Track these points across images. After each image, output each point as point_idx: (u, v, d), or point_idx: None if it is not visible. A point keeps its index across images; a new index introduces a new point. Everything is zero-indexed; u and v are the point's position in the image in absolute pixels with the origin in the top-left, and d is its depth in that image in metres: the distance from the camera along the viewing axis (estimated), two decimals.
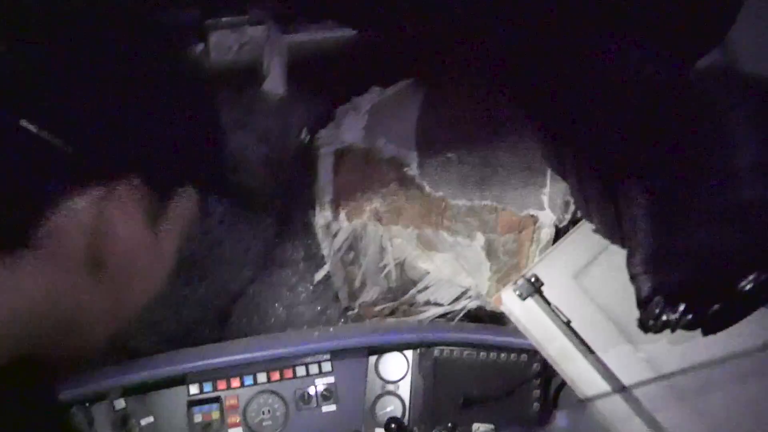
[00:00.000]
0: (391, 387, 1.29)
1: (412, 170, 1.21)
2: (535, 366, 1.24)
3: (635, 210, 0.79)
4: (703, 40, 0.86)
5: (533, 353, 1.19)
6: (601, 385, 1.00)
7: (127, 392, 1.17)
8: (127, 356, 1.24)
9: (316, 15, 1.05)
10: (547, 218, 1.19)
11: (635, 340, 1.00)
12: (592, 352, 1.01)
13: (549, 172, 1.17)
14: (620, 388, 1.00)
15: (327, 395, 1.26)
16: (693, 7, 0.82)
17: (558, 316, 1.02)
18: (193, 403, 1.21)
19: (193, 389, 1.21)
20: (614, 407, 0.98)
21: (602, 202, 0.88)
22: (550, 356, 1.04)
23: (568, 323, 1.02)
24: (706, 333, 0.82)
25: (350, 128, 1.20)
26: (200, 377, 1.21)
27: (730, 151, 0.77)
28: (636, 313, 0.91)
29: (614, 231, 0.90)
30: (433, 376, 1.27)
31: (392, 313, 1.34)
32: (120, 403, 1.17)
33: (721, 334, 0.80)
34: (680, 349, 0.96)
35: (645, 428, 0.95)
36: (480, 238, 1.23)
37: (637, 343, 1.00)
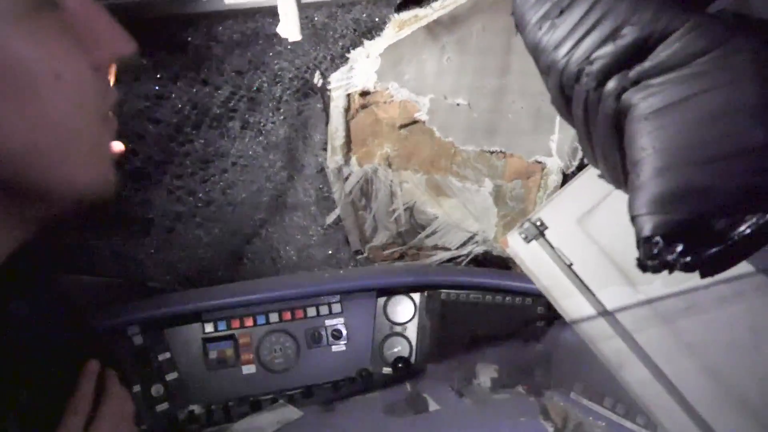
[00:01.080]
0: (398, 328, 1.36)
1: (423, 115, 1.25)
2: (540, 309, 1.30)
3: (638, 152, 0.83)
4: None
5: (538, 296, 1.23)
6: (600, 325, 1.05)
7: (145, 329, 1.23)
8: (145, 294, 1.32)
9: None
10: (555, 165, 1.23)
11: (635, 281, 1.05)
12: (592, 293, 1.07)
13: (558, 119, 1.21)
14: (620, 330, 1.05)
15: (336, 335, 1.32)
16: None
17: (561, 258, 1.08)
18: (208, 340, 1.28)
19: (208, 327, 1.28)
20: (610, 345, 1.04)
21: (608, 147, 0.92)
22: (551, 297, 1.09)
23: (570, 265, 1.07)
24: (703, 275, 0.87)
25: (363, 71, 1.23)
26: (215, 316, 1.28)
27: (736, 92, 0.80)
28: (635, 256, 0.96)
29: (618, 176, 0.95)
30: (440, 318, 1.32)
31: (401, 256, 1.40)
32: (138, 339, 1.24)
33: None
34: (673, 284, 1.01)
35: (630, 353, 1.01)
36: (488, 184, 1.28)
37: (636, 285, 1.05)
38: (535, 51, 0.93)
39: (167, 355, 1.26)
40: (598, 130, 0.91)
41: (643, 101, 0.84)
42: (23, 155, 0.38)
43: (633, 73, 0.85)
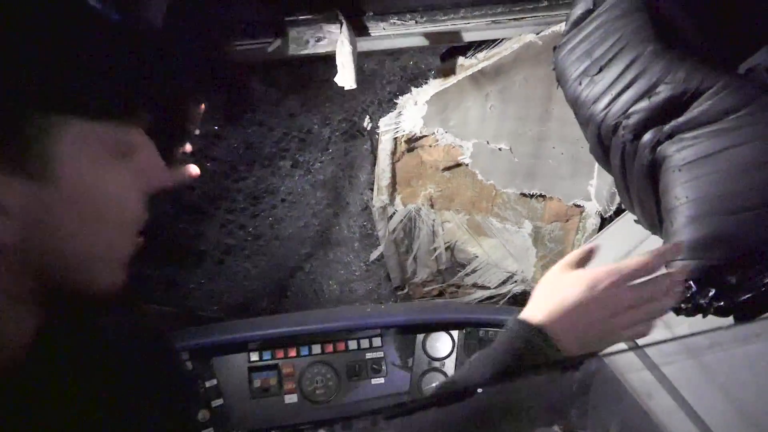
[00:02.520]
0: (436, 364, 1.40)
1: (466, 158, 1.34)
2: None
3: (672, 200, 0.91)
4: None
5: None
6: (637, 365, 1.12)
7: (193, 356, 1.31)
8: (195, 323, 1.41)
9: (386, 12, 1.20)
10: (593, 208, 1.31)
11: (668, 321, 1.12)
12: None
13: (596, 165, 1.29)
14: (649, 363, 1.11)
15: (376, 368, 1.38)
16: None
17: None
18: (253, 369, 1.35)
19: (254, 356, 1.35)
20: (640, 377, 1.10)
21: (643, 194, 1.01)
22: None
23: None
24: (737, 320, 0.93)
25: (410, 117, 1.34)
26: (260, 345, 1.35)
27: (765, 146, 0.89)
28: None
29: (654, 221, 1.03)
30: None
31: (440, 294, 1.48)
32: (187, 365, 1.31)
33: None
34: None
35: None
36: (527, 225, 1.36)
37: (669, 325, 1.12)
38: (575, 104, 1.04)
39: (214, 382, 1.33)
40: (635, 179, 1.00)
41: (677, 153, 0.93)
42: (77, 262, 0.52)
43: (668, 127, 0.94)
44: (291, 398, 1.37)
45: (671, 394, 1.04)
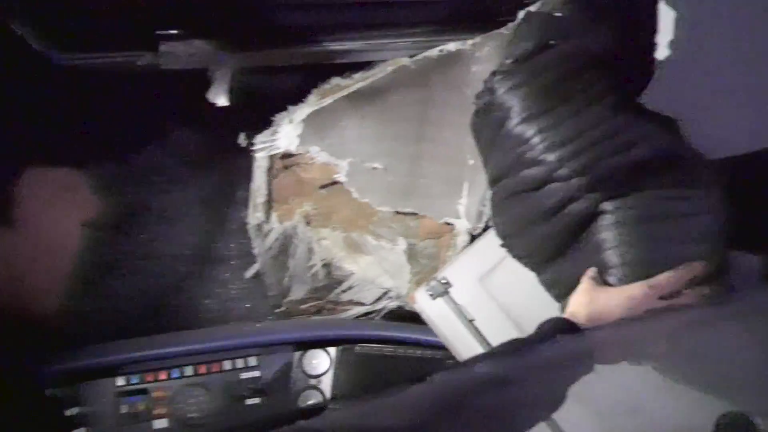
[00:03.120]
0: (314, 381, 1.41)
1: (342, 177, 1.38)
2: (449, 361, 1.42)
3: (612, 257, 1.00)
4: None
5: (447, 348, 1.36)
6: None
7: (55, 382, 1.24)
8: (58, 346, 1.34)
9: (259, 30, 1.22)
10: (463, 226, 1.38)
11: None
12: (490, 347, 1.21)
13: (465, 184, 1.37)
14: None
15: (252, 388, 1.36)
16: None
17: (463, 314, 1.21)
18: (120, 394, 1.30)
19: (121, 381, 1.30)
20: None
21: (557, 237, 1.08)
22: (454, 350, 1.23)
23: (471, 321, 1.21)
24: None
25: (286, 135, 1.36)
26: (129, 369, 1.30)
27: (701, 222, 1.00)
28: (531, 313, 1.12)
29: (543, 258, 1.11)
30: (355, 371, 1.41)
31: (318, 311, 1.50)
32: (50, 392, 1.24)
33: None
34: None
35: None
36: (402, 243, 1.41)
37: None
38: (519, 141, 1.06)
39: (77, 410, 1.27)
40: (558, 221, 1.06)
41: (622, 211, 1.01)
42: (32, 293, 0.55)
43: (625, 185, 1.01)
44: (161, 423, 1.32)
45: None
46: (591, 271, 1.00)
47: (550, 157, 1.03)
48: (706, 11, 1.17)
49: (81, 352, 1.30)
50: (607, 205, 1.02)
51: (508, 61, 1.10)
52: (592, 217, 1.03)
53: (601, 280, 1.00)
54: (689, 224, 1.00)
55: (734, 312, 0.98)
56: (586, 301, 0.94)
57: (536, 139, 1.04)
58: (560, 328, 0.89)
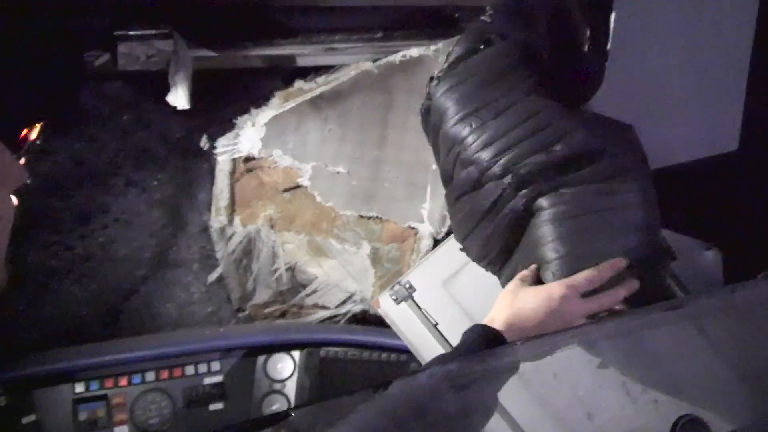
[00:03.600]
0: (278, 386, 1.41)
1: (305, 181, 1.38)
2: (413, 364, 1.44)
3: (548, 253, 1.01)
4: None
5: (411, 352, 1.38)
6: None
7: (9, 389, 1.22)
8: (13, 353, 1.31)
9: (221, 32, 1.21)
10: (426, 230, 1.40)
11: None
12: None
13: (429, 188, 1.39)
14: None
15: (215, 393, 1.36)
16: None
17: (427, 318, 1.24)
18: (78, 401, 1.28)
19: (79, 387, 1.28)
20: None
21: (498, 236, 1.09)
22: (419, 354, 1.25)
23: (435, 325, 1.23)
24: None
25: (248, 138, 1.36)
26: (87, 375, 1.29)
27: (628, 215, 1.02)
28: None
29: (490, 258, 1.13)
30: (319, 375, 1.41)
31: (282, 315, 1.50)
32: (2, 400, 1.22)
33: None
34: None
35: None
36: (366, 247, 1.43)
37: None
38: (455, 142, 1.08)
39: (32, 417, 1.25)
40: (497, 221, 1.08)
41: (554, 207, 1.02)
42: None
43: (554, 181, 1.03)
44: (121, 430, 1.31)
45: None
46: (523, 272, 1.01)
47: (483, 155, 1.05)
48: (654, 20, 1.22)
49: (37, 357, 1.29)
50: (542, 202, 1.04)
51: (444, 67, 1.14)
52: (530, 214, 1.06)
53: (538, 278, 1.01)
54: (619, 218, 1.01)
55: (688, 314, 1.02)
56: (506, 304, 0.94)
57: (470, 139, 1.07)
58: (482, 336, 0.89)
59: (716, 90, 1.26)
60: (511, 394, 1.12)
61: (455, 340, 1.23)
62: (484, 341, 0.89)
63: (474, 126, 1.06)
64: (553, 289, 0.92)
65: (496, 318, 0.92)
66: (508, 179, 1.03)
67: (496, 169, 1.04)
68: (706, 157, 1.26)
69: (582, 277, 0.93)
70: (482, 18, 1.15)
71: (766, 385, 0.83)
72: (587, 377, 0.96)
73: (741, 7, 1.23)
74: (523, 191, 1.03)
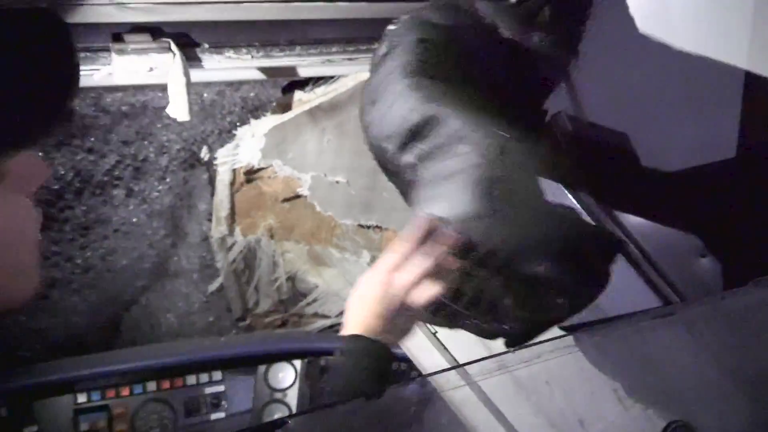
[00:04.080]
0: (279, 395, 1.43)
1: (304, 191, 1.41)
2: (413, 372, 1.45)
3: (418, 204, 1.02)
4: None
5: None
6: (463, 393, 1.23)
7: (10, 400, 1.24)
8: (14, 364, 1.33)
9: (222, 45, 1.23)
10: None
11: (490, 345, 1.24)
12: (453, 357, 1.25)
13: None
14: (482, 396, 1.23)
15: (216, 403, 1.38)
16: None
17: (427, 327, 1.25)
18: (80, 411, 1.30)
19: (81, 398, 1.30)
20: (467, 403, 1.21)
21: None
22: (418, 363, 1.26)
23: (434, 334, 1.25)
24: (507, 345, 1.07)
25: (248, 149, 1.38)
26: (88, 385, 1.30)
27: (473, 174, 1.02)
28: None
29: None
30: (321, 384, 1.44)
31: (282, 324, 1.52)
32: (3, 411, 1.24)
33: None
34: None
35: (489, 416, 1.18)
36: (366, 255, 1.45)
37: (490, 348, 1.24)
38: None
39: (34, 428, 1.27)
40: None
41: (422, 172, 1.01)
42: None
43: (417, 149, 1.04)
44: None
45: (488, 407, 1.16)
46: None
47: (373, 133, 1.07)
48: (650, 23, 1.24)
49: (38, 368, 1.30)
50: (418, 169, 1.03)
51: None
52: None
53: None
54: (455, 180, 1.04)
55: (682, 320, 1.03)
56: (355, 308, 0.89)
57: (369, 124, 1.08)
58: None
59: (713, 95, 1.28)
60: (505, 399, 1.14)
61: (455, 348, 1.26)
62: (358, 353, 0.85)
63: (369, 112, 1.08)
64: (379, 265, 0.88)
65: (351, 326, 0.88)
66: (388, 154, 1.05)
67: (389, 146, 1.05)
68: (702, 164, 1.28)
69: (391, 251, 0.88)
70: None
71: (758, 391, 0.84)
72: (579, 384, 0.98)
73: (738, 8, 1.25)
74: (403, 163, 1.04)
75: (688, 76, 1.26)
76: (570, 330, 1.09)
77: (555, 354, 0.97)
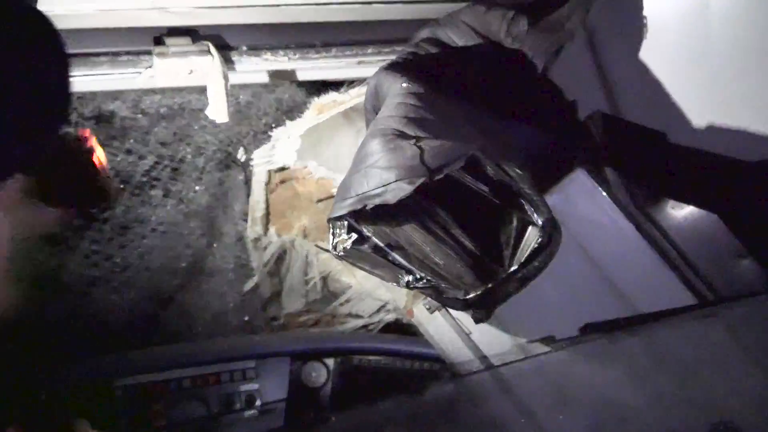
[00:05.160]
0: (312, 393, 1.45)
1: None
2: (446, 374, 1.47)
3: None
4: None
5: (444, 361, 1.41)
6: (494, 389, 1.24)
7: (51, 395, 1.27)
8: (54, 359, 1.37)
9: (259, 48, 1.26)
10: None
11: (526, 348, 1.25)
12: (486, 359, 1.26)
13: None
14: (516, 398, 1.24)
15: (250, 400, 1.40)
16: None
17: (461, 327, 1.27)
18: (118, 406, 1.32)
19: (119, 393, 1.33)
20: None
21: None
22: (452, 363, 1.28)
23: (468, 335, 1.27)
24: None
25: (284, 150, 1.41)
26: (126, 381, 1.33)
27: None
28: (527, 325, 1.18)
29: None
30: (353, 383, 1.47)
31: (315, 323, 1.54)
32: (42, 396, 1.25)
33: None
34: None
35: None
36: None
37: (529, 352, 1.25)
38: None
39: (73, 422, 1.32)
40: None
41: None
42: None
43: None
44: None
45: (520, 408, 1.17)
46: None
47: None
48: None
49: (77, 363, 1.34)
50: None
51: None
52: None
53: None
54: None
55: (723, 321, 1.03)
56: None
57: None
58: None
59: (754, 95, 1.27)
60: (541, 402, 1.15)
61: (488, 348, 1.27)
62: None
63: None
64: None
65: None
66: None
67: None
68: (741, 164, 1.27)
69: None
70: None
71: None
72: (619, 385, 0.98)
73: None
74: None
75: (727, 75, 1.25)
76: (608, 329, 1.10)
77: (593, 355, 0.98)
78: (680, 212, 1.21)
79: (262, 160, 1.41)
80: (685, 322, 1.00)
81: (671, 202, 1.21)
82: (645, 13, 1.22)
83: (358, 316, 1.52)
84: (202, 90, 1.28)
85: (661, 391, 0.93)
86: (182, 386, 1.38)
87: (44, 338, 1.43)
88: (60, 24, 0.60)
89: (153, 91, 1.37)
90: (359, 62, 1.32)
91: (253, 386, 1.42)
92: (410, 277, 1.03)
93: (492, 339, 1.26)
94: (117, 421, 1.33)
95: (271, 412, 1.43)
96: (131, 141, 1.42)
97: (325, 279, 1.49)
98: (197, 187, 1.47)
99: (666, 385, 0.95)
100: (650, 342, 0.99)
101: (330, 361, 1.47)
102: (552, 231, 1.00)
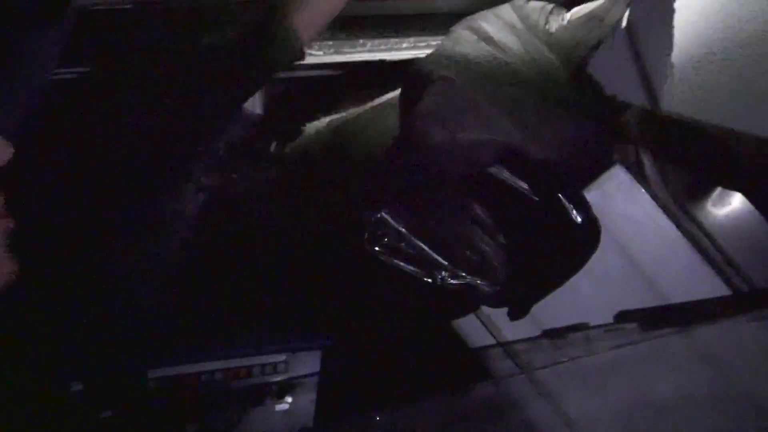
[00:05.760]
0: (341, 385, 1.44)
1: None
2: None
3: None
4: None
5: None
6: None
7: (86, 379, 1.29)
8: (86, 351, 1.39)
9: None
10: None
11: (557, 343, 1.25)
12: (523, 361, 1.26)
13: None
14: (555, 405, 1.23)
15: (281, 394, 1.41)
16: None
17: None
18: (150, 398, 1.35)
19: (151, 384, 1.35)
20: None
21: None
22: (488, 365, 1.28)
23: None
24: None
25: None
26: (158, 373, 1.35)
27: None
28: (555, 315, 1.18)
29: None
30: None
31: None
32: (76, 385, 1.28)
33: None
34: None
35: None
36: None
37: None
38: None
39: (109, 413, 1.30)
40: None
41: None
42: None
43: None
44: (190, 429, 1.37)
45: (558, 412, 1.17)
46: None
47: None
48: None
49: (111, 354, 1.34)
50: None
51: None
52: None
53: None
54: None
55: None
56: None
57: None
58: None
59: None
60: (580, 405, 1.15)
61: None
62: None
63: None
64: None
65: None
66: None
67: None
68: None
69: None
70: None
71: None
72: (673, 388, 0.97)
73: None
74: None
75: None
76: (656, 326, 1.09)
77: (640, 356, 0.97)
78: (722, 210, 1.19)
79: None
80: (735, 323, 0.99)
81: (712, 200, 1.19)
82: (687, 5, 1.20)
83: None
84: None
85: (713, 394, 0.92)
86: (214, 379, 1.39)
87: (74, 333, 1.44)
88: None
89: None
90: (394, 57, 1.31)
91: (284, 378, 1.42)
92: (445, 273, 1.03)
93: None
94: (148, 413, 1.35)
95: (302, 405, 1.44)
96: None
97: None
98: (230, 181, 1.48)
99: (717, 386, 0.94)
100: (693, 340, 0.98)
101: None
102: (592, 229, 1.00)
